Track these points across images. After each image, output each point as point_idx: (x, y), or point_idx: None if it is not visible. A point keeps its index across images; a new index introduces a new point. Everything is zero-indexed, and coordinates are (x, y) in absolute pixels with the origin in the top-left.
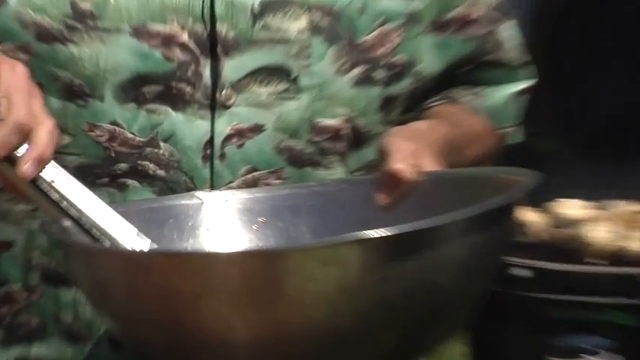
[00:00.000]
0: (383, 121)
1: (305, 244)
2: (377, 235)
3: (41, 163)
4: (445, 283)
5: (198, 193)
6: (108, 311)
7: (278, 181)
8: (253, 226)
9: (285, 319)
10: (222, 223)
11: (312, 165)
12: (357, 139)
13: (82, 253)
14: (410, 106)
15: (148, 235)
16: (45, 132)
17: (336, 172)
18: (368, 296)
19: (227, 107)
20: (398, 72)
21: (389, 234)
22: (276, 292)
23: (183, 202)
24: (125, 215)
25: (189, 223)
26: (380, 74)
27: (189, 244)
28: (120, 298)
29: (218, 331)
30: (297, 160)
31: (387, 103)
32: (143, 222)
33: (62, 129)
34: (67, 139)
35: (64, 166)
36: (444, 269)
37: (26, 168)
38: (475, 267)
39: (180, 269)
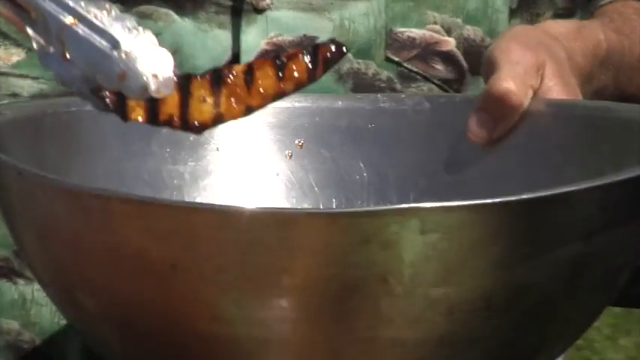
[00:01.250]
0: None
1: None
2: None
3: None
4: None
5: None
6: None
7: None
8: (286, 152)
9: None
10: (240, 141)
11: None
12: (470, 59)
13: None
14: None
15: (127, 150)
16: None
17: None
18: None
19: (261, 11)
20: None
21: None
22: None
23: None
24: (94, 116)
25: (191, 137)
26: None
27: (186, 172)
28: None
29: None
30: (367, 90)
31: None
32: (116, 127)
33: (13, 39)
34: (19, 56)
35: (15, 94)
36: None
37: None
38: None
39: (151, 224)
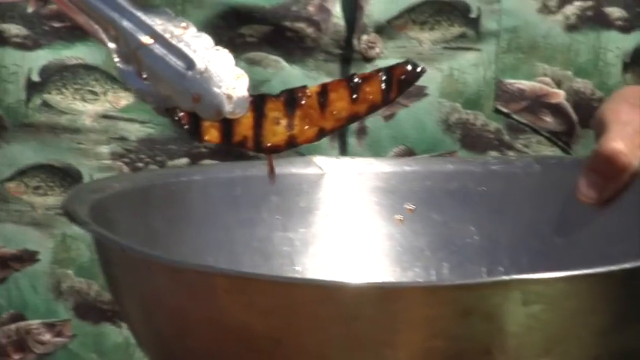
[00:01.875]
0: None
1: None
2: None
3: None
4: None
5: (318, 160)
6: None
7: None
8: (396, 216)
9: None
10: (349, 206)
11: (499, 149)
12: (575, 113)
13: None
14: None
15: (237, 218)
16: None
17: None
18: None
19: (369, 59)
20: None
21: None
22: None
23: (294, 170)
24: (203, 185)
25: (301, 204)
26: (616, 12)
27: (296, 239)
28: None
29: None
30: (475, 141)
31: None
32: (229, 197)
33: (121, 83)
34: (127, 99)
35: (123, 138)
36: None
37: None
38: None
39: (254, 300)
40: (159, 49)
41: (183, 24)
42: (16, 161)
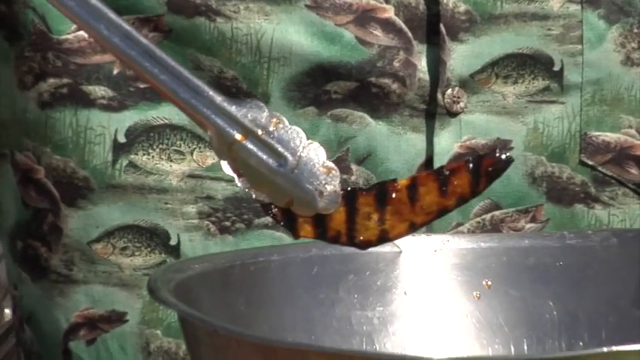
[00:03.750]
0: None
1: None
2: None
3: None
4: None
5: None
6: None
7: (532, 224)
8: (474, 293)
9: None
10: (427, 284)
11: (586, 201)
12: None
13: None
14: None
15: (315, 297)
16: None
17: (622, 212)
18: None
19: (454, 114)
20: None
21: None
22: None
23: (370, 249)
24: (281, 265)
25: (378, 282)
26: None
27: (375, 317)
28: None
29: None
30: (561, 194)
31: None
32: (304, 275)
33: (207, 142)
34: (213, 158)
35: (209, 197)
36: None
37: None
38: None
39: None
40: (251, 146)
41: (275, 119)
42: (102, 223)
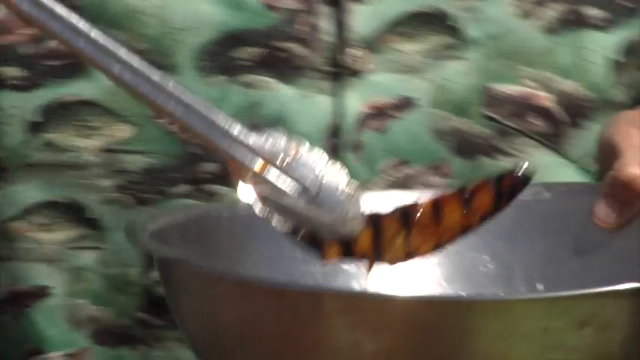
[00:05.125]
0: (613, 86)
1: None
2: None
3: None
4: None
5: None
6: None
7: (441, 179)
8: None
9: None
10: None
11: (490, 154)
12: (568, 113)
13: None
14: None
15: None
16: None
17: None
18: None
19: (359, 75)
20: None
21: None
22: None
23: None
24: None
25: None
26: (594, 12)
27: (319, 271)
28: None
29: None
30: (466, 148)
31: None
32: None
33: (119, 116)
34: (127, 132)
35: (125, 171)
36: None
37: None
38: None
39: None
40: (271, 176)
41: (294, 145)
42: (19, 201)
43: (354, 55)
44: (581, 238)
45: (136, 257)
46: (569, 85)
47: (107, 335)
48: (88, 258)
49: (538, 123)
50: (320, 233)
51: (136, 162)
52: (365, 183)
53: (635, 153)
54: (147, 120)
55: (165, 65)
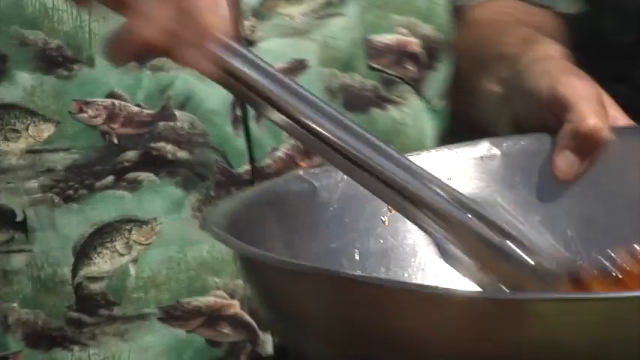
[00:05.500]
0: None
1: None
2: None
3: None
4: None
5: (304, 172)
6: None
7: None
8: (382, 218)
9: None
10: (343, 216)
11: (378, 104)
12: (428, 55)
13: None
14: None
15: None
16: None
17: (409, 108)
18: None
19: (253, 43)
20: None
21: None
22: None
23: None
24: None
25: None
26: None
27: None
28: None
29: None
30: (357, 102)
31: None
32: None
33: (41, 115)
34: (49, 130)
35: (50, 170)
36: None
37: None
38: None
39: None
40: None
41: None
42: None
43: (248, 25)
44: (535, 191)
45: (66, 256)
46: (427, 29)
47: (39, 338)
48: (17, 261)
49: (411, 68)
50: None
51: (60, 160)
52: (272, 150)
53: (587, 104)
54: (66, 116)
55: (80, 59)
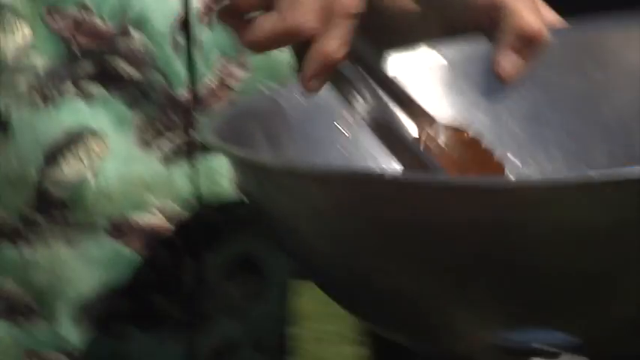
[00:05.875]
0: None
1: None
2: None
3: None
4: None
5: (268, 91)
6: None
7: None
8: (344, 132)
9: None
10: (310, 129)
11: None
12: None
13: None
14: None
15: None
16: None
17: None
18: None
19: None
20: None
21: None
22: None
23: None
24: None
25: (281, 133)
26: None
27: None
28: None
29: None
30: None
31: None
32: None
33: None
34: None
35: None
36: None
37: None
38: None
39: None
40: None
41: None
42: None
43: None
44: (485, 95)
45: (37, 158)
46: None
47: None
48: None
49: None
50: None
51: (39, 63)
52: (201, 77)
53: (523, 4)
54: (38, 21)
55: None
